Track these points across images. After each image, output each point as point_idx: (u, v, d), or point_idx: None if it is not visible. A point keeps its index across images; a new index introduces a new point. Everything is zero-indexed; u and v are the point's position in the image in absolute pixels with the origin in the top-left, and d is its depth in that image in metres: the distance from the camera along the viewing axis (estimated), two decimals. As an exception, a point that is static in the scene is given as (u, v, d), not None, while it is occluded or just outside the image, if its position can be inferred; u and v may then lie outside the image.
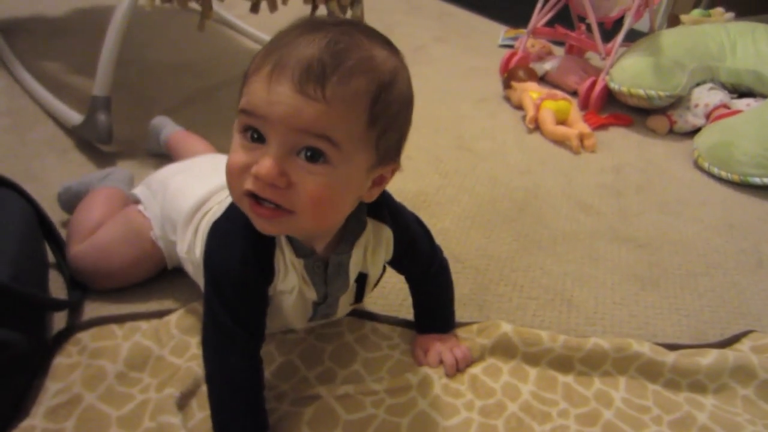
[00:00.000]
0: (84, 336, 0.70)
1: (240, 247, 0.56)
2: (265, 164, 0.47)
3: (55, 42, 1.50)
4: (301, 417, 0.63)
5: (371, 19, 1.49)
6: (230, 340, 0.57)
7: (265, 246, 0.57)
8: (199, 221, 0.70)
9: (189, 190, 0.74)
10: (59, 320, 0.73)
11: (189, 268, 0.74)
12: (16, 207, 0.74)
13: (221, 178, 0.71)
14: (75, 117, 1.10)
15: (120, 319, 0.74)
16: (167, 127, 1.03)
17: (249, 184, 0.48)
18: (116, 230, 0.77)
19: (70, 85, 1.30)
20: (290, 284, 0.60)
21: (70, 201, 0.88)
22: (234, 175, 0.50)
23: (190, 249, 0.71)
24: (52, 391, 0.64)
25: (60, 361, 0.67)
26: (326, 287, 0.62)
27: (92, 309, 0.75)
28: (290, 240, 0.58)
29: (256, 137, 0.48)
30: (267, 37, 1.67)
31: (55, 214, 0.86)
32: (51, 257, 0.81)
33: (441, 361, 0.71)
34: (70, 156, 1.06)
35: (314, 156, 0.48)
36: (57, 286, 0.78)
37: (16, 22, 1.59)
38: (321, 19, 0.51)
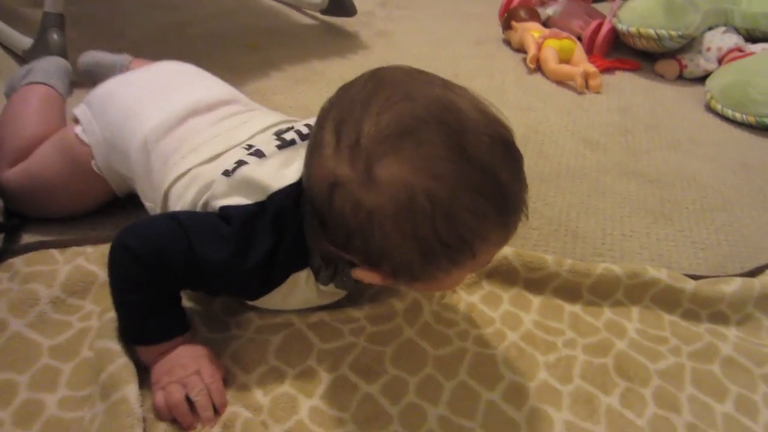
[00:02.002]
0: (17, 261, 0.61)
1: (264, 251, 0.48)
2: None
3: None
4: (268, 345, 0.55)
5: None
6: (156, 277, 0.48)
7: (278, 280, 0.51)
8: (171, 163, 0.57)
9: (141, 111, 0.61)
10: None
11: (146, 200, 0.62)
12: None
13: (183, 98, 0.61)
14: (26, 41, 0.99)
15: (62, 244, 0.63)
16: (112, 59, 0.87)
17: None
18: (52, 158, 0.65)
19: (22, 15, 1.18)
20: (291, 298, 0.54)
21: None
22: None
23: (162, 191, 0.57)
24: None
25: None
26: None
27: (32, 236, 0.65)
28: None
29: None
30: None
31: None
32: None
33: None
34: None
35: None
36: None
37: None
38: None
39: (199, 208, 0.53)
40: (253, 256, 0.47)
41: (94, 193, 0.67)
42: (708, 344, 0.60)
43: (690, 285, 0.64)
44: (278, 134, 0.55)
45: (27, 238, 0.65)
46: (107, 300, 0.53)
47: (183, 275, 0.49)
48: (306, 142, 0.50)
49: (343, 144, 0.41)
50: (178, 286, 0.51)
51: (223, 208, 0.50)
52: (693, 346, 0.60)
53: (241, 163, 0.51)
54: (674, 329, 0.62)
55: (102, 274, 0.60)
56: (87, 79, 0.86)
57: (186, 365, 0.49)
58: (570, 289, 0.64)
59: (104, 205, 0.69)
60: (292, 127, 0.56)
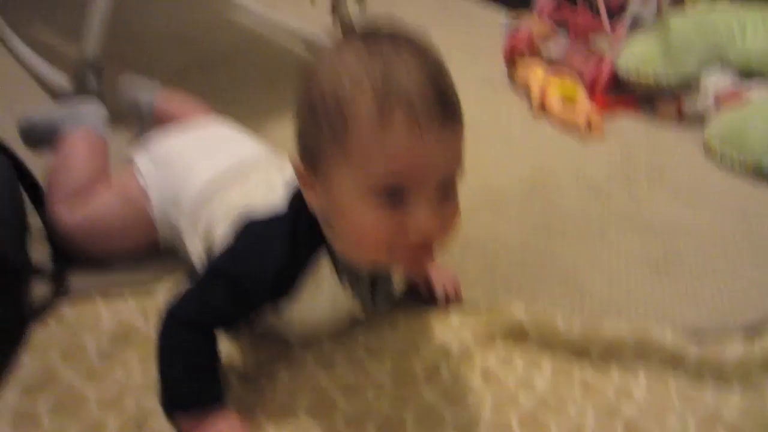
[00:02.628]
0: (64, 308, 0.64)
1: (279, 259, 0.53)
2: (429, 222, 0.46)
3: (48, 10, 1.41)
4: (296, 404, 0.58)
5: (371, 2, 1.43)
6: (197, 331, 0.53)
7: (302, 263, 0.55)
8: (211, 201, 0.65)
9: (197, 168, 0.68)
10: (37, 289, 0.67)
11: (192, 246, 0.67)
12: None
13: (227, 154, 0.71)
14: (65, 85, 1.03)
15: (106, 292, 0.67)
16: (144, 92, 0.92)
17: (410, 240, 0.47)
18: (114, 207, 0.71)
19: (61, 51, 1.22)
20: (321, 300, 0.58)
21: (35, 136, 0.81)
22: (380, 241, 0.48)
23: (206, 229, 0.65)
24: (28, 366, 0.57)
25: (38, 333, 0.61)
26: (372, 301, 0.61)
27: (75, 278, 0.69)
28: (333, 260, 0.56)
29: (395, 193, 0.46)
30: (262, 8, 1.57)
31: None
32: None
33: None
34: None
35: (448, 193, 0.48)
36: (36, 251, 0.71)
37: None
38: (373, 34, 0.50)
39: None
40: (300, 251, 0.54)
41: (142, 242, 0.72)
42: (714, 409, 0.63)
43: (693, 349, 0.67)
44: None
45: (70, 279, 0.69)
46: (147, 349, 0.58)
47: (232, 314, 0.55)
48: None
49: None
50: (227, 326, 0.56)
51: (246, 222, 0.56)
52: (699, 414, 0.63)
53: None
54: (680, 393, 0.65)
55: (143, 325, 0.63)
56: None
57: None
58: (579, 350, 0.67)
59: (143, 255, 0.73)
60: None
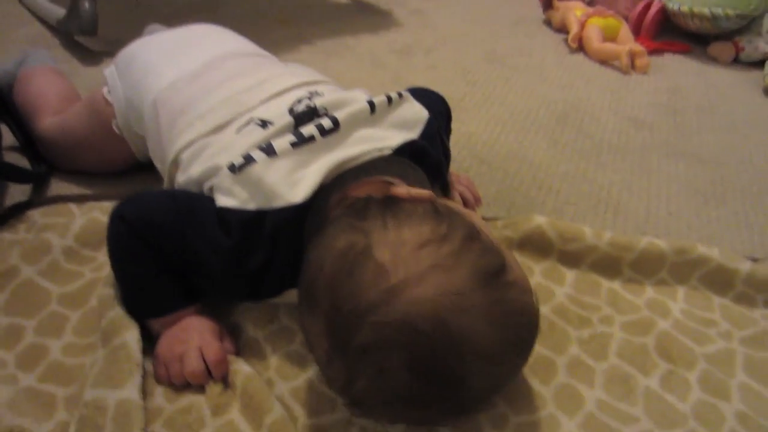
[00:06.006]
0: (35, 213, 0.60)
1: (258, 264, 0.44)
2: None
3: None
4: (279, 306, 0.52)
5: None
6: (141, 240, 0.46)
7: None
8: (178, 129, 0.54)
9: (158, 69, 0.59)
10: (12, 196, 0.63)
11: (156, 162, 0.60)
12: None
13: (196, 54, 0.59)
14: (59, 12, 1.01)
15: (80, 198, 0.63)
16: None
17: None
18: (82, 115, 0.66)
19: None
20: None
21: None
22: None
23: (166, 145, 0.55)
24: None
25: (2, 236, 0.57)
26: None
27: (56, 189, 0.66)
28: None
29: None
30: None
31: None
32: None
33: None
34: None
35: None
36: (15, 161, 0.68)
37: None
38: None
39: (205, 191, 0.50)
40: (249, 267, 0.44)
41: (116, 154, 0.66)
42: (764, 330, 0.54)
43: (746, 266, 0.58)
44: (296, 114, 0.50)
45: (50, 191, 0.65)
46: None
47: (173, 257, 0.46)
48: (327, 139, 0.47)
49: None
50: (169, 265, 0.47)
51: (222, 211, 0.45)
52: (746, 332, 0.54)
53: (249, 159, 0.45)
54: (725, 312, 0.56)
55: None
56: None
57: (187, 341, 0.45)
58: (609, 264, 0.59)
59: (132, 169, 0.68)
60: (315, 107, 0.50)
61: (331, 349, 0.36)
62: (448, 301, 0.34)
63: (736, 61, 1.26)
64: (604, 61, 1.16)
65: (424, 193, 0.42)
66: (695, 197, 0.76)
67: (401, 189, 0.42)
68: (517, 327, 0.37)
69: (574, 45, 1.20)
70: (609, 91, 1.05)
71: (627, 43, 1.18)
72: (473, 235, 0.37)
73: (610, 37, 1.20)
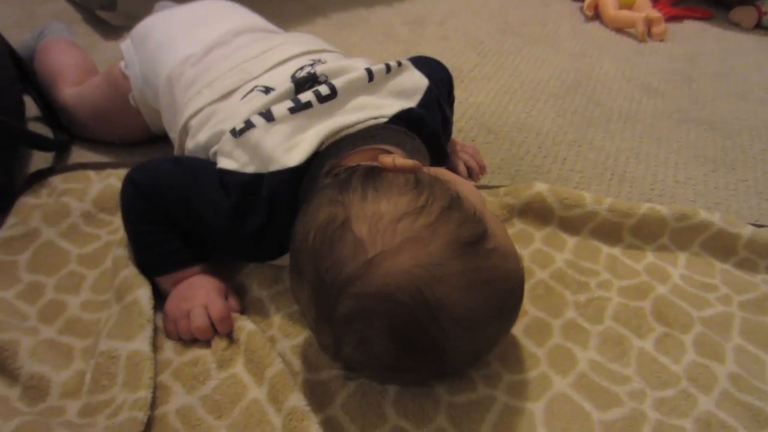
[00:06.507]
0: (56, 179, 0.63)
1: (255, 226, 0.46)
2: None
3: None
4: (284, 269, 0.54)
5: None
6: (150, 202, 0.49)
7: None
8: (187, 98, 0.56)
9: (172, 45, 0.60)
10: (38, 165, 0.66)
11: (171, 134, 0.61)
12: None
13: (211, 31, 0.60)
14: None
15: (99, 166, 0.65)
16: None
17: None
18: (100, 87, 0.69)
19: None
20: None
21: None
22: None
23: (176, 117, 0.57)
24: (9, 223, 0.56)
25: (25, 200, 0.60)
26: None
27: (77, 157, 0.68)
28: None
29: None
30: None
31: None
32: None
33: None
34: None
35: None
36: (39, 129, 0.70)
37: None
38: None
39: (210, 156, 0.52)
40: (247, 228, 0.46)
41: (133, 126, 0.68)
42: (765, 295, 0.55)
43: (747, 231, 0.58)
44: (297, 80, 0.51)
45: (71, 158, 0.68)
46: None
47: (180, 218, 0.48)
48: (325, 105, 0.48)
49: None
50: (177, 227, 0.49)
51: (223, 173, 0.47)
52: (746, 296, 0.55)
53: (249, 124, 0.47)
54: (726, 277, 0.57)
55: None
56: None
57: (193, 298, 0.47)
58: (609, 230, 0.59)
59: (148, 139, 0.70)
60: (315, 74, 0.51)
61: (318, 317, 0.38)
62: (425, 271, 0.35)
63: (759, 26, 1.22)
64: (620, 28, 1.14)
65: (409, 162, 0.42)
66: (704, 165, 0.75)
67: (387, 159, 0.42)
68: (497, 293, 0.38)
69: (590, 13, 1.18)
70: (623, 59, 1.03)
71: (644, 9, 1.15)
72: (453, 204, 0.38)
73: (626, 4, 1.17)
